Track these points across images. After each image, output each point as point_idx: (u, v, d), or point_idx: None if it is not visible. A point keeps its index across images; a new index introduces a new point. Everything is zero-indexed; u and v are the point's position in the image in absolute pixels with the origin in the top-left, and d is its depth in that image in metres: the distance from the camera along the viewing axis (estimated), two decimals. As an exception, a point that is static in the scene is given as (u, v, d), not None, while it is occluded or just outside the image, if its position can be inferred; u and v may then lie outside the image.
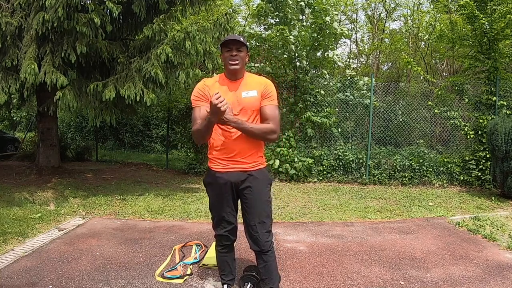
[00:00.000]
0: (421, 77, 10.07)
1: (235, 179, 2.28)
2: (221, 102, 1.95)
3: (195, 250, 3.47)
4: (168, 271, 3.00)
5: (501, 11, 7.09)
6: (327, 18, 7.61)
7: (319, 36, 7.88)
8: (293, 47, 7.73)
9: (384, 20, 19.88)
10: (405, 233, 4.29)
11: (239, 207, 2.42)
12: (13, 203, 5.00)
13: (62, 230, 4.00)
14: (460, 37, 8.48)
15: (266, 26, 9.27)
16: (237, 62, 2.21)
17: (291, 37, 7.57)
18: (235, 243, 2.57)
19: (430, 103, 8.06)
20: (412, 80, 16.08)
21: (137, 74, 5.64)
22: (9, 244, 3.52)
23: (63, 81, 5.25)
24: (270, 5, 8.22)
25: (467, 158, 7.54)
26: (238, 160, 2.25)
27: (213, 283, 2.86)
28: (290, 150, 7.68)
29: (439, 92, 7.91)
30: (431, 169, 7.56)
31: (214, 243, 3.68)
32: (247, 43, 2.27)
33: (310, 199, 6.02)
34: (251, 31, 8.63)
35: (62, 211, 4.79)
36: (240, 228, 2.45)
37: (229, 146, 2.24)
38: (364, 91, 8.41)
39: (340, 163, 7.77)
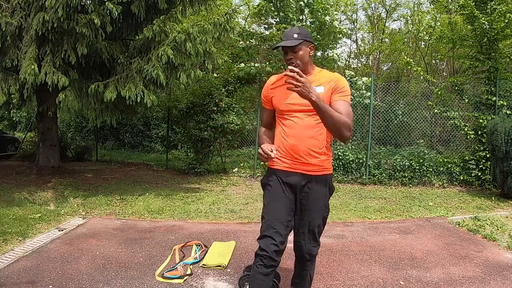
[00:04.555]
0: (421, 77, 10.08)
1: (296, 182, 2.08)
2: (268, 155, 1.91)
3: (195, 250, 3.47)
4: (168, 271, 3.00)
5: (501, 10, 7.09)
6: (327, 18, 7.62)
7: (318, 36, 7.89)
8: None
9: (384, 20, 19.89)
10: (405, 233, 4.29)
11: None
12: (13, 203, 5.00)
13: (62, 230, 4.00)
14: (460, 37, 8.49)
15: (266, 26, 9.28)
16: (294, 64, 2.01)
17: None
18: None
19: (430, 103, 8.06)
20: (412, 80, 16.08)
21: (138, 75, 5.64)
22: (9, 244, 3.52)
23: (65, 81, 5.25)
24: (271, 4, 8.23)
25: (467, 158, 7.54)
26: (302, 162, 2.06)
27: (213, 283, 2.86)
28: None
29: (439, 92, 7.91)
30: (431, 169, 7.56)
31: (214, 243, 3.69)
32: (305, 36, 2.01)
33: (310, 199, 6.01)
34: (251, 30, 8.64)
35: (62, 211, 4.78)
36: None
37: (294, 146, 2.06)
38: (364, 91, 8.42)
39: (340, 163, 7.77)
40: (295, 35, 2.00)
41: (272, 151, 1.93)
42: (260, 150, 1.98)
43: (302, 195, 2.11)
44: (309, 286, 2.37)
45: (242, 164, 8.50)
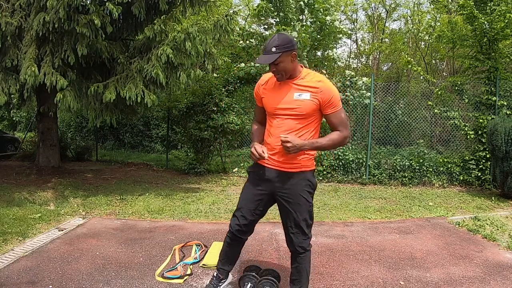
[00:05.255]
0: (421, 77, 10.08)
1: (271, 177, 2.27)
2: (260, 155, 2.14)
3: (195, 250, 3.48)
4: (168, 271, 3.00)
5: (501, 10, 7.09)
6: (328, 18, 7.62)
7: (319, 36, 7.88)
8: (293, 47, 7.74)
9: (384, 20, 19.89)
10: (405, 233, 4.29)
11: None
12: (13, 203, 5.00)
13: (62, 230, 4.00)
14: (460, 37, 8.49)
15: (266, 26, 9.27)
16: (278, 76, 2.20)
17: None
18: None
19: (430, 103, 8.06)
20: (412, 80, 16.09)
21: (138, 75, 5.63)
22: (9, 244, 3.52)
23: (63, 83, 5.25)
24: (271, 5, 8.22)
25: (467, 158, 7.54)
26: (279, 159, 2.24)
27: (213, 283, 2.86)
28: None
29: (439, 92, 7.91)
30: (431, 169, 7.56)
31: (214, 243, 3.69)
32: (283, 47, 2.11)
33: (310, 199, 6.01)
34: (251, 30, 8.63)
35: (62, 211, 4.78)
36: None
37: (272, 144, 2.25)
38: (364, 91, 8.42)
39: (340, 163, 7.77)
40: (273, 49, 2.11)
41: (264, 153, 2.16)
42: (253, 150, 2.19)
43: (283, 191, 2.26)
44: (307, 282, 2.42)
45: (242, 164, 8.50)
